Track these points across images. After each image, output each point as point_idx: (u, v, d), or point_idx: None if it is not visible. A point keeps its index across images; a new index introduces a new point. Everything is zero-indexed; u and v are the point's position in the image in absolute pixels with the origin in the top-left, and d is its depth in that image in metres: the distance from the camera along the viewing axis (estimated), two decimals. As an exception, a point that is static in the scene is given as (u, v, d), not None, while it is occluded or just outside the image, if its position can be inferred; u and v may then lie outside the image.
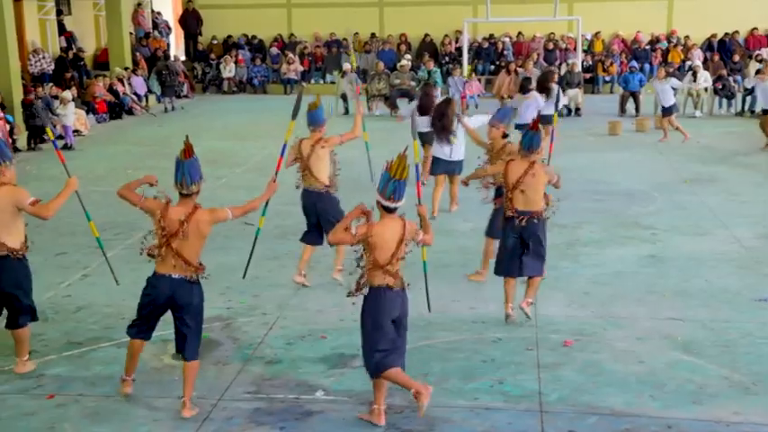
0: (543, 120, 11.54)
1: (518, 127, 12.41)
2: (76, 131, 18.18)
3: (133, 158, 15.19)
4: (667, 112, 17.04)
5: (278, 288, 8.69)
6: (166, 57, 24.87)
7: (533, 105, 13.72)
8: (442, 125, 11.02)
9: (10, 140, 15.86)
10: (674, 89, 17.59)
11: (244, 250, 8.78)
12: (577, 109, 21.30)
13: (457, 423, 5.93)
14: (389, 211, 5.81)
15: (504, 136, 8.59)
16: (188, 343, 6.04)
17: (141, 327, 6.21)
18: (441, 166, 11.16)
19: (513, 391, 6.37)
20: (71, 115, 17.87)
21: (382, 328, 5.80)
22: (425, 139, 12.00)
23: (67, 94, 18.23)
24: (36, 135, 16.91)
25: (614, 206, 11.95)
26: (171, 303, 6.05)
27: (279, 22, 27.62)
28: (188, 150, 5.98)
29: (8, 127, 16.21)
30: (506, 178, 7.50)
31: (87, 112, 19.43)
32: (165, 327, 7.45)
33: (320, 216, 8.46)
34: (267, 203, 7.55)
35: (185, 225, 5.89)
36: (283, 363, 6.92)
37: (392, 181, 5.73)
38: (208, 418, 5.98)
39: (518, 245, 7.54)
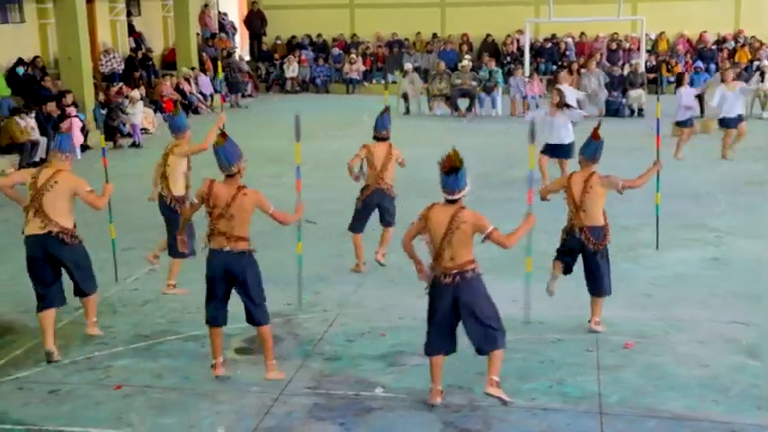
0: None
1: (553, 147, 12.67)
2: (144, 129, 18.62)
3: (198, 156, 15.46)
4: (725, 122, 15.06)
5: (338, 285, 8.79)
6: (230, 55, 25.33)
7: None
8: None
9: (82, 138, 16.34)
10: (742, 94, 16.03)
11: (305, 248, 8.89)
12: (640, 110, 21.02)
13: (514, 423, 5.94)
14: (451, 202, 6.03)
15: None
16: (254, 311, 6.45)
17: (212, 310, 6.54)
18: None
19: (573, 393, 6.36)
20: (139, 114, 18.30)
21: (429, 315, 6.16)
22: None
23: (136, 94, 18.66)
24: (111, 134, 17.33)
25: (677, 208, 11.77)
26: (229, 276, 6.43)
27: (341, 23, 27.80)
28: (222, 136, 6.44)
29: (80, 124, 16.65)
30: (569, 191, 7.43)
31: (155, 111, 19.87)
32: (229, 322, 7.64)
33: None
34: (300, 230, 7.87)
35: (232, 203, 6.32)
36: (343, 359, 7.01)
37: (448, 175, 5.95)
38: (269, 412, 6.09)
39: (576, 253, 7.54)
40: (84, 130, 16.86)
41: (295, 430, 5.87)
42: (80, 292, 7.37)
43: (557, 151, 12.66)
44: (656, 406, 6.14)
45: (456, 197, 6.00)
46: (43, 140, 15.78)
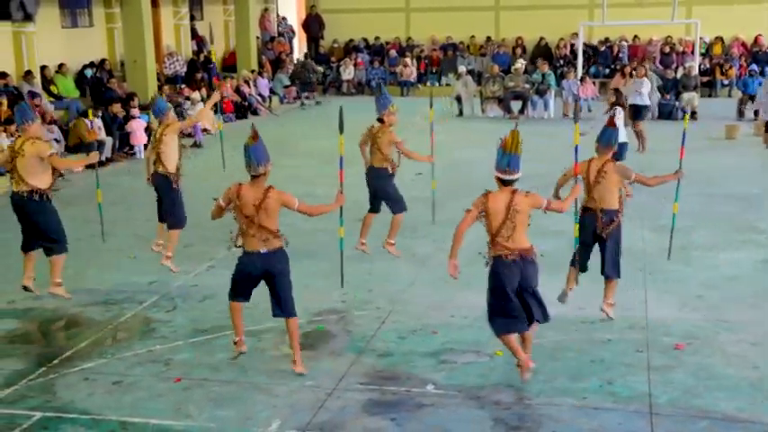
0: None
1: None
2: (205, 130, 19.01)
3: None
4: None
5: (391, 283, 8.91)
6: (306, 56, 26.11)
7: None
8: None
9: (145, 138, 16.79)
10: None
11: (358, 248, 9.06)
12: (693, 112, 20.82)
13: (565, 421, 5.99)
14: (505, 183, 6.32)
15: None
16: (285, 303, 6.72)
17: (240, 292, 6.91)
18: None
19: (623, 392, 6.39)
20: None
21: (497, 296, 6.39)
22: None
23: (197, 96, 19.05)
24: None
25: (729, 210, 11.70)
26: (265, 275, 6.71)
27: (397, 26, 27.97)
28: (254, 136, 6.62)
29: (144, 125, 17.08)
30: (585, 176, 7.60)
31: (215, 112, 20.23)
32: (282, 318, 7.82)
33: None
34: (341, 215, 7.91)
35: (261, 205, 6.53)
36: (395, 356, 7.12)
37: (506, 155, 6.25)
38: (322, 406, 6.23)
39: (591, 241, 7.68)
40: (148, 130, 17.28)
41: (348, 425, 5.99)
42: (47, 250, 8.41)
43: None
44: (706, 407, 6.14)
45: (513, 177, 6.29)
46: (109, 140, 16.23)
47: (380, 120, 9.51)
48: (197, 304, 8.45)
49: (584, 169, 7.51)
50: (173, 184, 9.32)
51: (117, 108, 16.85)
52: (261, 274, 6.70)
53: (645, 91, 16.42)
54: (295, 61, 26.53)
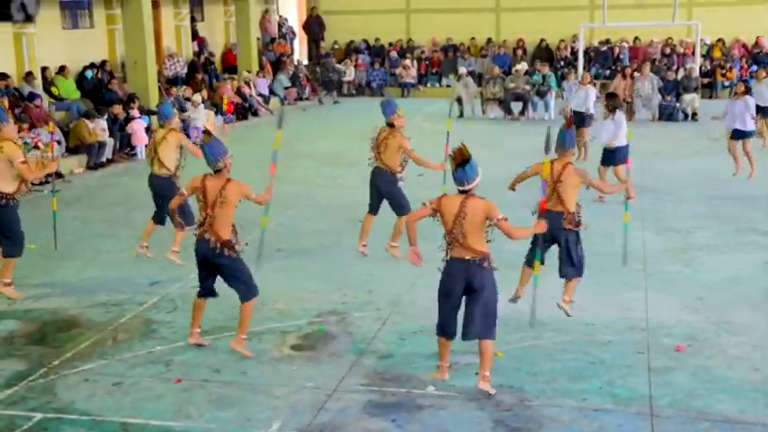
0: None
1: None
2: (206, 131, 18.99)
3: (257, 158, 15.76)
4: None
5: (391, 285, 8.91)
6: (327, 55, 26.34)
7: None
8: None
9: (146, 138, 16.79)
10: None
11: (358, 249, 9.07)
12: (694, 114, 20.84)
13: (565, 423, 5.99)
14: (461, 192, 6.36)
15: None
16: (238, 290, 7.10)
17: (201, 287, 7.29)
18: None
19: (623, 394, 6.38)
20: (201, 116, 18.67)
21: (438, 296, 6.50)
22: None
23: (198, 97, 19.05)
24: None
25: (730, 211, 11.69)
26: (211, 264, 7.09)
27: (398, 27, 27.98)
28: (207, 133, 7.26)
29: (145, 125, 17.08)
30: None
31: (216, 113, 20.28)
32: (283, 319, 7.84)
33: None
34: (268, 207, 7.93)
35: (221, 194, 6.89)
36: (396, 357, 7.12)
37: (457, 170, 6.29)
38: (323, 407, 6.22)
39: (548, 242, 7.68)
40: (149, 131, 17.29)
41: (348, 426, 5.98)
42: (4, 251, 8.54)
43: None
44: (707, 409, 6.13)
45: (467, 188, 6.30)
46: (110, 142, 16.25)
47: (390, 124, 9.46)
48: (197, 305, 8.44)
49: (547, 169, 7.52)
50: (175, 185, 9.33)
51: (118, 109, 16.86)
52: (203, 261, 7.09)
53: (591, 100, 15.87)
54: (295, 62, 26.52)
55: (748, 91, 13.77)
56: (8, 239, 8.55)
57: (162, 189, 9.47)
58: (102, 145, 16.05)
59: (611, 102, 12.71)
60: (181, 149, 9.60)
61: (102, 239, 9.99)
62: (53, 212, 10.06)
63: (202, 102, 19.13)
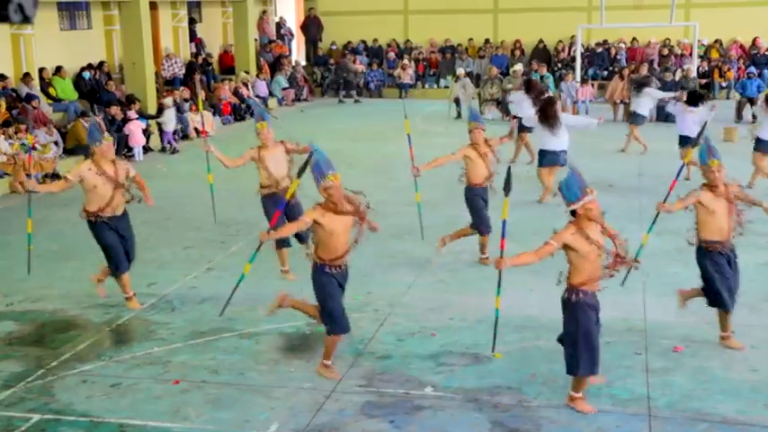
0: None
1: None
2: (203, 132, 18.93)
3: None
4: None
5: (390, 286, 8.91)
6: (343, 55, 26.43)
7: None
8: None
9: (144, 140, 16.79)
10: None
11: (362, 251, 9.02)
12: (692, 114, 20.78)
13: (563, 424, 6.00)
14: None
15: None
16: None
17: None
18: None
19: (621, 395, 6.40)
20: (172, 120, 18.53)
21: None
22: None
23: (169, 101, 18.81)
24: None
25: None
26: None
27: (395, 28, 27.99)
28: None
29: (143, 127, 17.06)
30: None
31: (213, 114, 20.24)
32: (281, 320, 7.83)
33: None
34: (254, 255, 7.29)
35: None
36: (394, 358, 7.12)
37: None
38: (321, 409, 6.23)
39: None
40: (147, 133, 17.28)
41: (346, 427, 5.99)
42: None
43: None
44: (705, 410, 6.15)
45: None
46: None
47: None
48: (195, 306, 8.44)
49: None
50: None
51: (115, 110, 16.84)
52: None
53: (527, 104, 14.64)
54: (293, 63, 26.54)
55: None
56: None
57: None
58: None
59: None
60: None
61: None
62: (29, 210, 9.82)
63: (174, 104, 18.56)
